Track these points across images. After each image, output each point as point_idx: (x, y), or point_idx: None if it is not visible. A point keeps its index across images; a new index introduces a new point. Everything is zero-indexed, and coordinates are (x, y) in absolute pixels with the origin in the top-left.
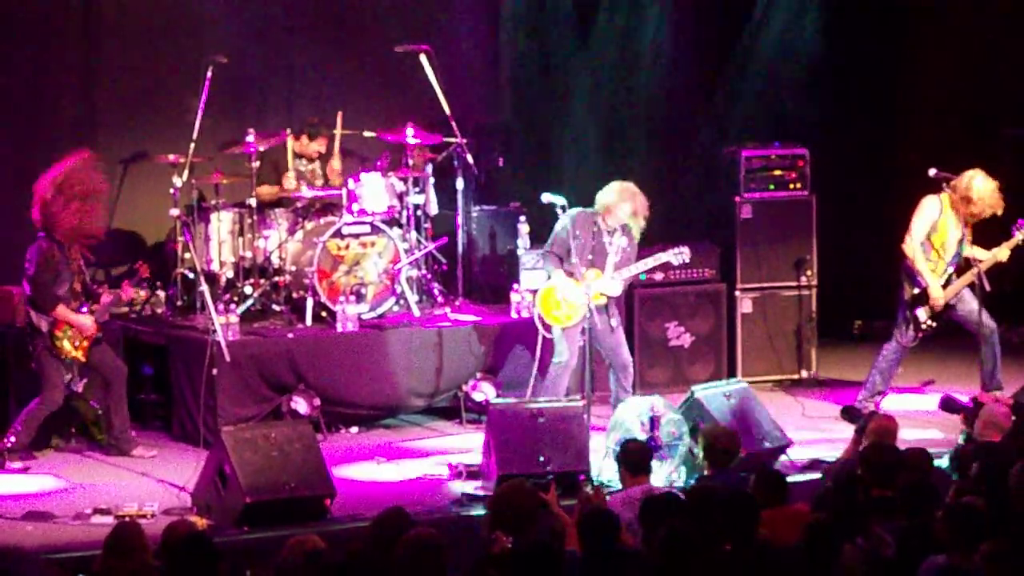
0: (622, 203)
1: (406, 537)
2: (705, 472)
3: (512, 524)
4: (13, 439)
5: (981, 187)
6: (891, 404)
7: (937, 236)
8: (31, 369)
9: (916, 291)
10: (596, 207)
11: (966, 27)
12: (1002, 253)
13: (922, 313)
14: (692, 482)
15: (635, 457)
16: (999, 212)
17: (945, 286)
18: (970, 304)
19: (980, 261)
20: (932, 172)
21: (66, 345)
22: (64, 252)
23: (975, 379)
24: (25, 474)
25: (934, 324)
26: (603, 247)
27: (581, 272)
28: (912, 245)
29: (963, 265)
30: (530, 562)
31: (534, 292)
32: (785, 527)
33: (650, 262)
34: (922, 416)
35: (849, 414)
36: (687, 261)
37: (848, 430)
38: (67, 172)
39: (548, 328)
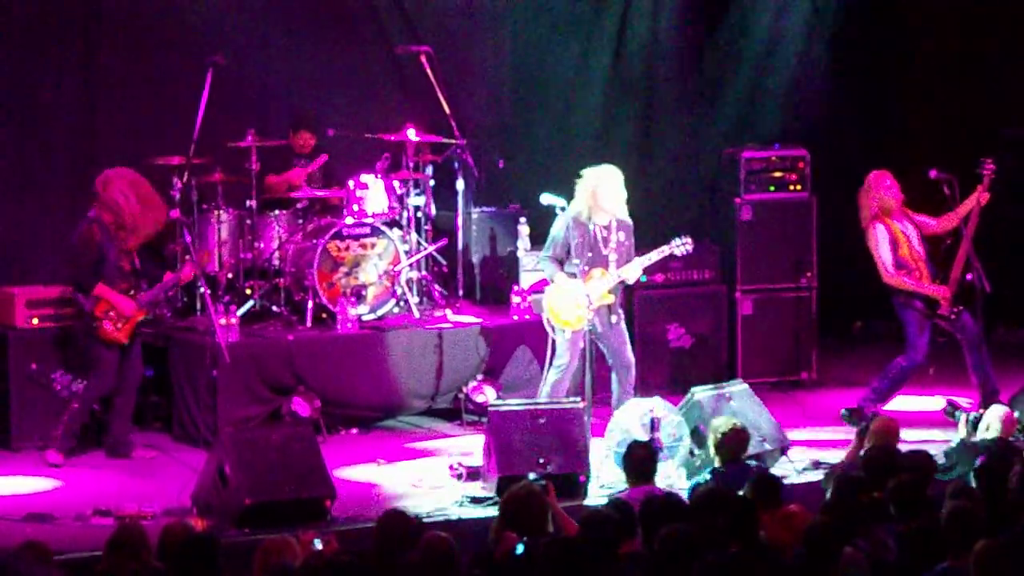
0: (598, 197)
1: (423, 541)
2: (716, 464)
3: (523, 525)
4: (61, 429)
5: (872, 176)
6: (893, 405)
7: (902, 249)
8: (30, 370)
9: (921, 303)
10: (581, 213)
11: (966, 27)
12: (983, 197)
13: (944, 311)
14: (702, 479)
15: (637, 462)
16: (895, 187)
17: (940, 281)
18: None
19: (957, 229)
20: (932, 173)
21: (107, 327)
22: (108, 233)
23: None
24: (58, 469)
25: (958, 310)
26: (598, 245)
27: (583, 271)
28: (890, 274)
29: (939, 252)
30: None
31: (538, 292)
32: (779, 529)
33: (654, 256)
34: (924, 418)
35: (851, 416)
36: (690, 251)
37: (849, 432)
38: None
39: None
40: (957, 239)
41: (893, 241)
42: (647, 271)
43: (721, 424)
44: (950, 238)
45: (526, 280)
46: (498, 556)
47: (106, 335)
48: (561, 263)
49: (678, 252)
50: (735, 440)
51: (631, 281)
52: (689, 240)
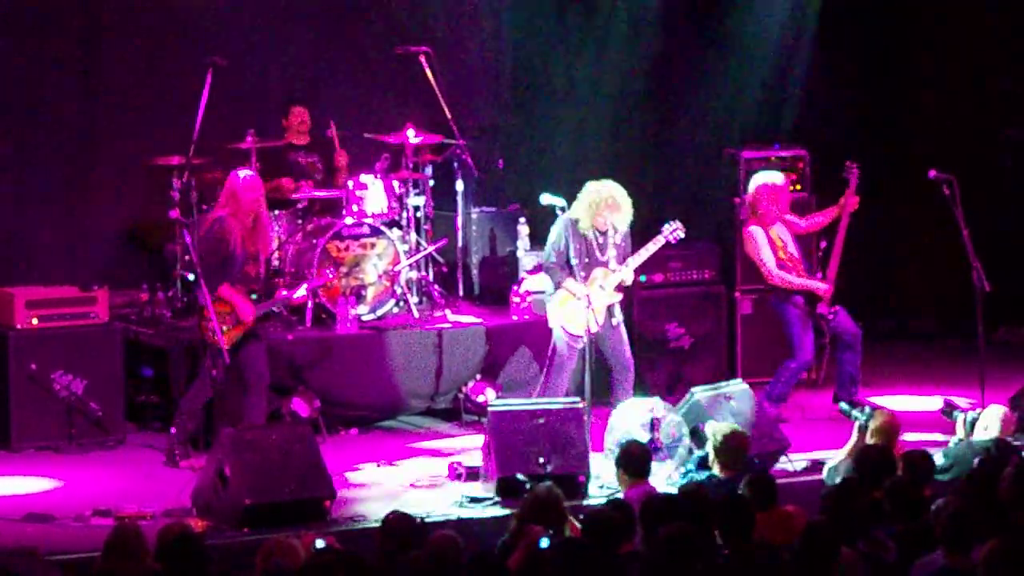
0: (595, 213)
1: (429, 540)
2: (717, 472)
3: (540, 523)
4: (174, 430)
5: (762, 178)
6: (891, 404)
7: (780, 252)
8: (30, 370)
9: (801, 300)
10: (579, 222)
11: (967, 28)
12: (851, 201)
13: (823, 310)
14: (693, 477)
15: (635, 460)
16: (786, 191)
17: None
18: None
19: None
20: (932, 174)
21: (213, 326)
22: (241, 235)
23: (975, 385)
24: (192, 471)
25: (835, 309)
26: (595, 252)
27: (582, 277)
28: (775, 273)
29: (815, 256)
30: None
31: (536, 293)
32: (775, 529)
33: (652, 248)
34: (923, 418)
35: (850, 409)
36: (683, 236)
37: (848, 428)
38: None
39: (575, 338)
40: (831, 243)
41: (771, 243)
42: (647, 264)
43: (722, 427)
44: (824, 241)
45: (526, 281)
46: (521, 549)
47: (210, 337)
48: (564, 267)
49: (671, 238)
50: (736, 443)
51: (628, 282)
52: (680, 225)
